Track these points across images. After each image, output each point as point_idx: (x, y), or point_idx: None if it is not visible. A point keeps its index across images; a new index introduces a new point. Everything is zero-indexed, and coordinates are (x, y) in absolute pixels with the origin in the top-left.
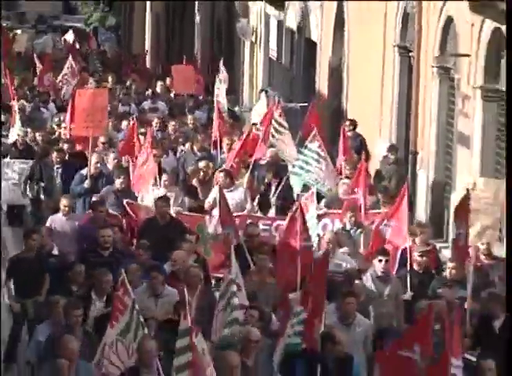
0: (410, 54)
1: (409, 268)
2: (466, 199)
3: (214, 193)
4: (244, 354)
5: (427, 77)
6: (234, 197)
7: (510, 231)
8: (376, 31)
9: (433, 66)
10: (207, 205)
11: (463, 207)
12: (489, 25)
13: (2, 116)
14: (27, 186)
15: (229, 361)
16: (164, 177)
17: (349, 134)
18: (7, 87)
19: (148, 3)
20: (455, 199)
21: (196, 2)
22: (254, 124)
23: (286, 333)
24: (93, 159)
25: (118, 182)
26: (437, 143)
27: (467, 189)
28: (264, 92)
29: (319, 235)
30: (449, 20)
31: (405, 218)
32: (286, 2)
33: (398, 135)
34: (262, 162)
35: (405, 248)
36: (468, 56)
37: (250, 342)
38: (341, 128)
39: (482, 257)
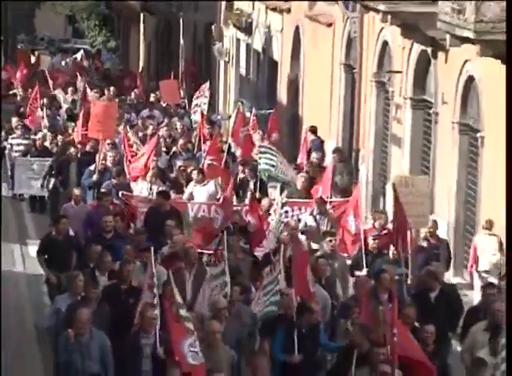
0: (353, 71)
1: (364, 249)
2: (395, 193)
3: (190, 187)
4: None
5: (366, 89)
6: (208, 189)
7: (510, 230)
8: (326, 52)
9: (371, 81)
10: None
11: (396, 200)
12: (417, 48)
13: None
14: (46, 181)
15: (212, 328)
16: (150, 173)
17: (311, 137)
18: (36, 98)
19: (141, 29)
20: (389, 189)
21: (181, 29)
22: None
23: (263, 302)
24: (101, 157)
25: (116, 177)
26: (375, 143)
27: (393, 184)
28: (240, 103)
29: (282, 221)
30: (385, 43)
31: (360, 208)
32: (253, 28)
33: (343, 136)
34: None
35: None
36: (400, 72)
37: (220, 310)
38: (304, 133)
39: (424, 240)
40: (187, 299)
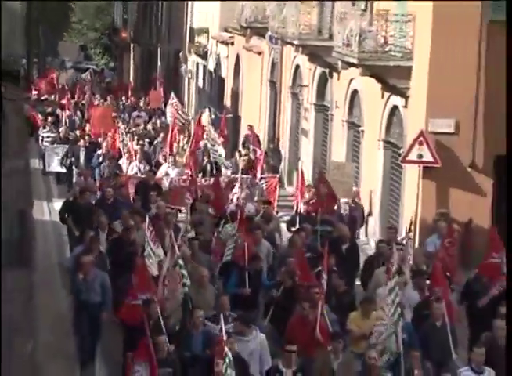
0: (275, 85)
1: (298, 212)
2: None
3: (164, 168)
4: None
5: (284, 98)
6: (177, 170)
7: (510, 230)
8: (258, 72)
9: (288, 92)
10: (158, 174)
11: (320, 177)
12: (319, 69)
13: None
14: (64, 161)
15: (201, 272)
16: (138, 156)
17: (248, 132)
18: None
19: (131, 55)
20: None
21: (159, 55)
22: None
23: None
24: (104, 144)
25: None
26: (290, 135)
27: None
28: (207, 109)
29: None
30: (297, 66)
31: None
32: (208, 55)
33: (269, 130)
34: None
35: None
36: (307, 86)
37: (202, 277)
38: (252, 133)
39: (346, 207)
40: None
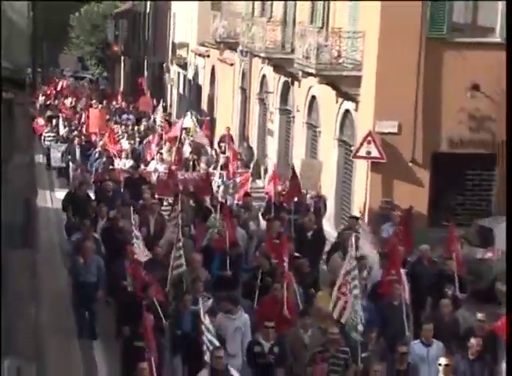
0: (246, 92)
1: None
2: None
3: (153, 164)
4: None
5: (253, 103)
6: (164, 166)
7: (510, 230)
8: (230, 81)
9: (256, 98)
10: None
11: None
12: (282, 78)
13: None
14: (63, 157)
15: (194, 258)
16: (128, 152)
17: (225, 133)
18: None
19: (122, 66)
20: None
21: (145, 66)
22: (185, 128)
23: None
24: (100, 143)
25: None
26: (258, 134)
27: (293, 169)
28: (189, 112)
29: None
30: (264, 76)
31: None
32: (188, 66)
33: (240, 130)
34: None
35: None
36: (272, 92)
37: (195, 262)
38: (228, 133)
39: (310, 198)
40: (150, 233)
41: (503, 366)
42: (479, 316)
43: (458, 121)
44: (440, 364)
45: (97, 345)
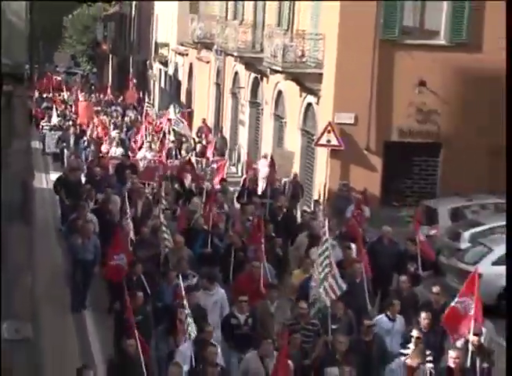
0: (220, 87)
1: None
2: (271, 160)
3: (142, 152)
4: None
5: (227, 97)
6: (151, 153)
7: (510, 229)
8: (206, 77)
9: (229, 92)
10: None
11: (271, 161)
12: (253, 75)
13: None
14: (58, 144)
15: (177, 240)
16: (117, 140)
17: (202, 124)
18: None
19: (110, 63)
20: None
21: (131, 63)
22: (169, 119)
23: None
24: (88, 132)
25: (91, 146)
26: (230, 124)
27: (271, 158)
28: (172, 105)
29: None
30: (236, 73)
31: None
32: (168, 63)
33: (214, 121)
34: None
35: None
36: (243, 88)
37: (178, 242)
38: (205, 124)
39: (289, 183)
40: (138, 215)
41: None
42: (434, 289)
43: (407, 113)
44: (412, 336)
45: (90, 317)
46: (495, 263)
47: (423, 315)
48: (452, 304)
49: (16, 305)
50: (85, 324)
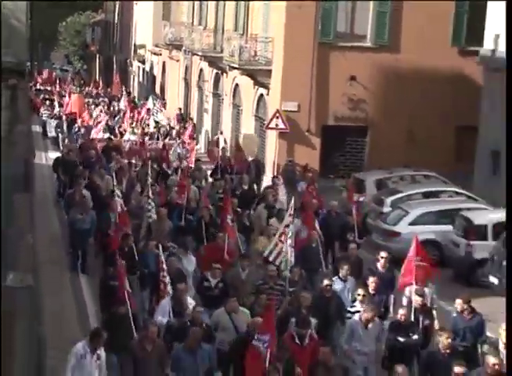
0: (188, 81)
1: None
2: (237, 143)
3: (127, 135)
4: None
5: (193, 89)
6: (135, 136)
7: (510, 230)
8: (176, 73)
9: (195, 85)
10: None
11: (237, 144)
12: (214, 71)
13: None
14: (54, 129)
15: (161, 213)
16: (104, 126)
17: (177, 112)
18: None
19: (97, 61)
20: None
21: (114, 61)
22: (148, 109)
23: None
24: (79, 120)
25: (81, 130)
26: (197, 113)
27: (237, 141)
28: (151, 97)
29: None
30: (201, 70)
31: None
32: (146, 61)
33: (184, 110)
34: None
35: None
36: (207, 81)
37: (161, 214)
38: (177, 113)
39: (252, 162)
40: (123, 190)
41: (403, 299)
42: (382, 254)
43: (340, 102)
44: (359, 294)
45: (85, 280)
46: (411, 223)
47: (371, 279)
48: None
49: (20, 259)
50: (80, 282)
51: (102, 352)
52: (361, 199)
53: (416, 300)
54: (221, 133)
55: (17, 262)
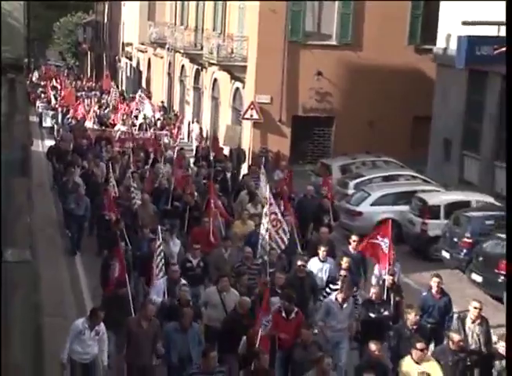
0: (171, 76)
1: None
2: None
3: (118, 126)
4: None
5: (176, 83)
6: (125, 127)
7: (510, 228)
8: (160, 68)
9: (178, 80)
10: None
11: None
12: (195, 67)
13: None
14: (51, 120)
15: (144, 198)
16: (95, 118)
17: (161, 104)
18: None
19: (89, 58)
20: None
21: (104, 58)
22: (137, 102)
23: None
24: (72, 111)
25: (73, 121)
26: (179, 104)
27: (214, 132)
28: (139, 90)
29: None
30: (183, 66)
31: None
32: (133, 57)
33: (168, 102)
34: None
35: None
36: (188, 76)
37: (145, 199)
38: (159, 105)
39: (234, 150)
40: (116, 175)
41: (372, 279)
42: (353, 237)
43: (309, 95)
44: (340, 275)
45: (79, 257)
46: (372, 204)
47: (344, 259)
48: (375, 241)
49: (18, 236)
50: (74, 259)
51: (101, 327)
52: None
53: (388, 279)
54: (197, 122)
55: (15, 239)
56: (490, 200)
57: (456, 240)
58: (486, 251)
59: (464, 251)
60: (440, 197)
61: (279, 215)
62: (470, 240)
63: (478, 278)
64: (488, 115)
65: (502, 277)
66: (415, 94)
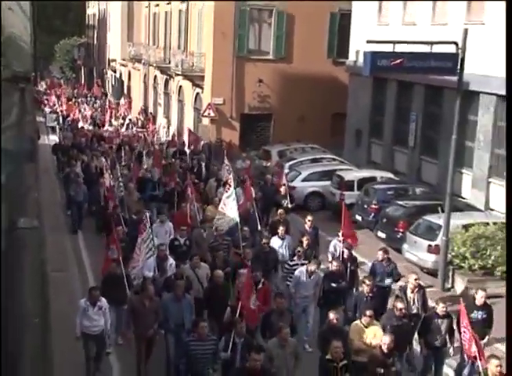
0: (147, 84)
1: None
2: (190, 130)
3: (106, 126)
4: (129, 193)
5: (151, 89)
6: (113, 127)
7: (510, 228)
8: (138, 78)
9: (152, 87)
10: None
11: (190, 131)
12: (164, 77)
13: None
14: (50, 120)
15: (129, 186)
16: (89, 120)
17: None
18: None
19: (82, 70)
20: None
21: (95, 71)
22: (122, 105)
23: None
24: (71, 115)
25: (70, 121)
26: (153, 106)
27: (189, 129)
28: (123, 97)
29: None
30: (156, 76)
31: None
32: (116, 70)
33: (144, 103)
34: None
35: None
36: (159, 84)
37: (131, 187)
38: (141, 108)
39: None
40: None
41: (328, 255)
42: (309, 217)
43: (252, 97)
44: (298, 251)
45: (80, 234)
46: (303, 180)
47: (304, 238)
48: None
49: (28, 207)
50: (77, 236)
51: (103, 303)
52: (268, 164)
53: (345, 251)
54: (168, 118)
55: (26, 209)
56: (391, 175)
57: (366, 206)
58: (388, 214)
59: (372, 214)
60: (353, 174)
61: (231, 197)
62: (377, 206)
63: (383, 235)
64: (388, 111)
65: (401, 234)
66: (333, 96)
